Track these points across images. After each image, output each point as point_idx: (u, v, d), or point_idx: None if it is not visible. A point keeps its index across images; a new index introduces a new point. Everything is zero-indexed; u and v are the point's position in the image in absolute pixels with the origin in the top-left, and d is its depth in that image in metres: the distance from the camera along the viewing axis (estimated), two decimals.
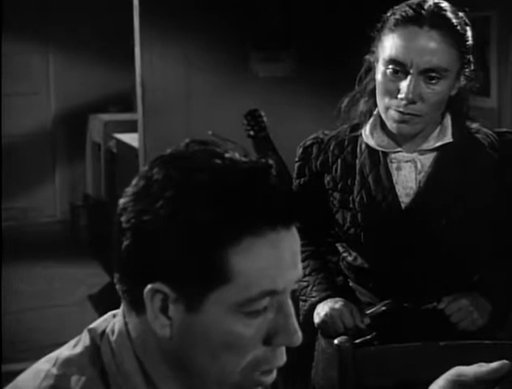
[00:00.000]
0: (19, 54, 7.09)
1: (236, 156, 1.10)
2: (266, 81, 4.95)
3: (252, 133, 3.89)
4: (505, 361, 1.33)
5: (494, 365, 1.32)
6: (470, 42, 2.02)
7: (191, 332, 1.07)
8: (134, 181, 1.11)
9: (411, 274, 2.04)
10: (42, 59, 7.37)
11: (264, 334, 1.09)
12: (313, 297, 2.10)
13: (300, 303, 2.12)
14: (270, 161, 1.09)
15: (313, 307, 2.09)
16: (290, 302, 1.11)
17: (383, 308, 2.07)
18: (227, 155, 1.09)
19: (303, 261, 2.12)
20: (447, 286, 2.06)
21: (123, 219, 1.09)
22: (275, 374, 1.13)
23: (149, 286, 1.06)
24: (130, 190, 1.11)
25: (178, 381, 1.13)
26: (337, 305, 2.06)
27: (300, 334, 1.11)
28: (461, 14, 2.02)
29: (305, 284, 2.13)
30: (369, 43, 2.07)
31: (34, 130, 7.43)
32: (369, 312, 2.07)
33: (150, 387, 1.13)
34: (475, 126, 2.10)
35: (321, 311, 2.08)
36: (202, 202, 1.04)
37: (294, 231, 1.11)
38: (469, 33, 2.02)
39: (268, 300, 1.08)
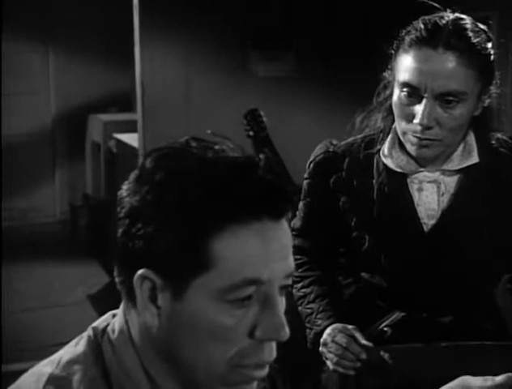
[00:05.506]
0: (19, 54, 7.09)
1: (227, 148, 1.11)
2: (265, 81, 4.95)
3: (252, 133, 3.89)
4: (509, 375, 1.33)
5: (499, 378, 1.33)
6: (492, 59, 1.90)
7: (178, 321, 1.08)
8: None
9: (431, 291, 1.97)
10: (42, 59, 7.36)
11: (249, 326, 1.09)
12: (317, 325, 2.01)
13: (307, 330, 2.04)
14: (260, 158, 1.11)
15: (318, 336, 2.00)
16: (278, 297, 1.10)
17: (399, 317, 2.00)
18: (217, 147, 1.11)
19: (308, 286, 2.08)
20: (466, 300, 2.00)
21: (118, 209, 1.11)
22: (266, 369, 1.12)
23: (138, 272, 1.07)
24: (126, 182, 1.13)
25: (170, 373, 1.13)
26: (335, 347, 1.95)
27: (287, 329, 1.09)
28: (483, 27, 1.90)
29: (309, 311, 2.05)
30: (369, 43, 2.03)
31: (34, 130, 7.43)
32: (384, 324, 2.01)
33: (151, 384, 1.13)
34: (497, 137, 1.99)
35: (325, 352, 1.98)
36: (188, 187, 1.06)
37: (284, 224, 1.11)
38: (491, 50, 1.90)
39: (253, 289, 1.07)
